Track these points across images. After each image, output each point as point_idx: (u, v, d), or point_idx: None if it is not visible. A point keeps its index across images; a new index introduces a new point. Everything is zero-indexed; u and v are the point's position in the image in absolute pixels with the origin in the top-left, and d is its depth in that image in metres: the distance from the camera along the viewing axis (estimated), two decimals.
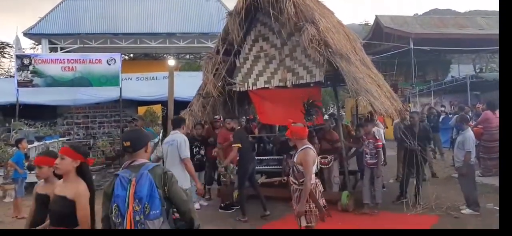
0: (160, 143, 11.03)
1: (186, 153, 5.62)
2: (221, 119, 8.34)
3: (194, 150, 7.82)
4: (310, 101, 7.18)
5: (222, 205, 7.46)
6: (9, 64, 26.85)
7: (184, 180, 5.38)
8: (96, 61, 13.94)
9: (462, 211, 6.58)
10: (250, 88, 7.84)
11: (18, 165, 7.53)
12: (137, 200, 2.59)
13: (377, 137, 7.09)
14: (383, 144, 7.32)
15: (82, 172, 3.06)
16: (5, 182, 8.91)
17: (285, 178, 7.16)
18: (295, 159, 4.48)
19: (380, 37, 22.44)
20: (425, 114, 10.34)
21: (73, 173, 3.02)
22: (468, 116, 8.36)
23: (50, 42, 20.25)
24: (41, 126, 12.43)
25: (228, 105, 8.36)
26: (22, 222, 7.09)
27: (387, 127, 10.72)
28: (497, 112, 8.79)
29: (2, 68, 27.78)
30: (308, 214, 4.38)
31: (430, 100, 17.59)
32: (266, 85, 7.69)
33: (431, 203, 6.90)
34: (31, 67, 13.49)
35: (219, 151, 7.31)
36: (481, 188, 7.67)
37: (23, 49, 21.42)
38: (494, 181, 8.39)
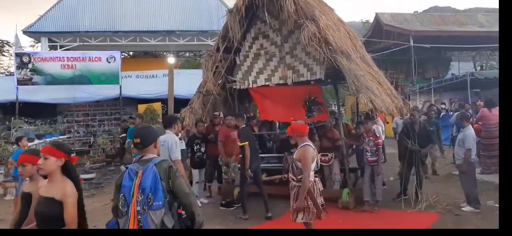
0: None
1: (177, 155, 5.55)
2: (221, 115, 8.33)
3: (195, 148, 7.82)
4: (312, 98, 7.17)
5: (223, 202, 7.47)
6: (9, 62, 26.85)
7: None
8: (96, 59, 13.96)
9: (462, 209, 6.58)
10: (251, 86, 7.83)
11: None
12: (140, 191, 2.76)
13: (377, 135, 7.08)
14: (383, 141, 7.32)
15: (67, 170, 2.92)
16: (6, 180, 8.91)
17: (286, 175, 7.14)
18: (294, 156, 4.51)
19: (380, 35, 22.44)
20: (424, 111, 10.32)
21: (58, 173, 2.88)
22: (468, 114, 8.34)
23: (50, 40, 20.24)
24: (41, 124, 12.44)
25: (228, 102, 8.35)
26: None
27: (387, 122, 10.72)
28: (493, 109, 8.84)
29: (1, 66, 27.78)
30: (305, 210, 4.40)
31: (430, 98, 17.58)
32: (267, 83, 7.68)
33: (431, 201, 6.91)
34: (30, 65, 13.51)
35: (220, 148, 7.29)
36: (482, 186, 7.67)
37: (23, 47, 21.40)
38: (494, 178, 8.38)
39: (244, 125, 7.11)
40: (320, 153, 7.27)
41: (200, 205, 7.27)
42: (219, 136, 7.34)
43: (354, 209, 6.87)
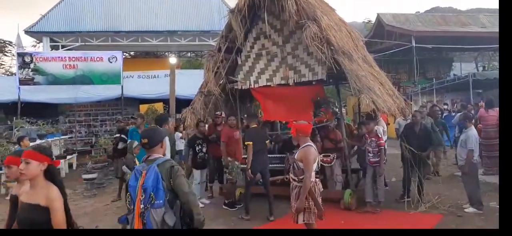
0: None
1: None
2: (223, 115, 8.32)
3: (197, 148, 7.80)
4: (319, 98, 7.17)
5: (226, 201, 7.46)
6: (11, 62, 26.90)
7: None
8: (98, 59, 13.98)
9: (465, 210, 6.56)
10: (252, 86, 7.82)
11: None
12: (143, 190, 2.92)
13: (379, 136, 7.06)
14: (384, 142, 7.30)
15: (50, 175, 2.80)
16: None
17: (288, 176, 7.12)
18: (296, 156, 4.49)
19: (382, 35, 22.39)
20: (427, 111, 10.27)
21: (41, 178, 2.75)
22: (471, 115, 8.33)
23: (52, 40, 20.29)
24: (43, 124, 12.45)
25: (230, 103, 8.34)
26: None
27: (388, 124, 10.69)
28: (490, 110, 8.86)
29: (3, 66, 27.83)
30: (306, 211, 4.38)
31: (432, 98, 17.53)
32: (268, 83, 7.66)
33: (434, 202, 6.88)
34: (32, 65, 13.54)
35: (223, 149, 7.26)
36: (484, 187, 7.65)
37: (24, 47, 21.45)
38: (497, 179, 8.35)
39: (256, 125, 7.03)
40: (322, 154, 7.27)
41: (202, 205, 7.29)
42: (222, 137, 7.33)
43: (356, 210, 6.86)
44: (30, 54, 14.23)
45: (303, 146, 4.43)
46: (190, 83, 11.76)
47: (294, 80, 7.37)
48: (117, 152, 8.68)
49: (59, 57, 14.33)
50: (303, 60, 7.26)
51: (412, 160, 7.25)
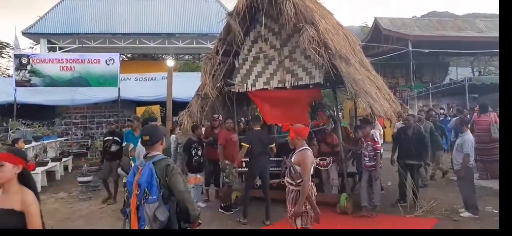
0: None
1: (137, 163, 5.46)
2: (220, 118, 8.31)
3: (193, 152, 7.77)
4: (316, 101, 7.17)
5: (222, 205, 7.44)
6: (7, 63, 26.79)
7: None
8: (95, 61, 13.94)
9: (461, 215, 6.57)
10: (249, 89, 7.83)
11: None
12: (138, 186, 3.09)
13: (376, 140, 7.07)
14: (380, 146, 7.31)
15: (24, 179, 2.68)
16: None
17: (283, 180, 7.11)
18: (292, 160, 4.46)
19: (379, 39, 22.46)
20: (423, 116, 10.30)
21: (15, 181, 2.63)
22: (467, 119, 8.37)
23: (49, 42, 20.21)
24: (39, 126, 12.39)
25: (227, 106, 8.34)
26: None
27: (385, 127, 10.71)
28: (483, 115, 9.01)
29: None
30: (304, 215, 4.37)
31: (428, 103, 17.60)
32: (265, 86, 7.67)
33: (429, 207, 6.90)
34: (29, 67, 13.49)
35: (220, 151, 7.24)
36: (480, 191, 7.67)
37: (22, 49, 21.39)
38: (493, 184, 8.40)
39: (259, 128, 7.00)
40: (319, 158, 7.28)
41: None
42: (219, 139, 7.31)
43: (352, 214, 6.86)
44: (27, 56, 14.17)
45: (300, 149, 4.42)
46: (187, 85, 11.75)
47: (291, 83, 7.38)
48: (109, 154, 8.58)
49: (56, 58, 14.28)
50: (300, 64, 7.28)
51: (405, 166, 7.33)
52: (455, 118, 10.66)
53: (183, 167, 7.56)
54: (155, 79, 15.87)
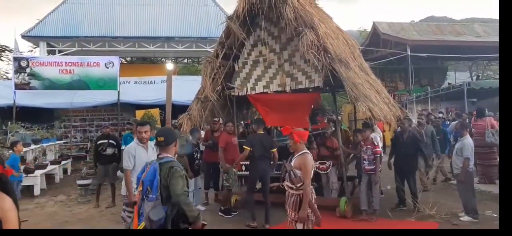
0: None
1: (123, 164, 5.25)
2: (221, 121, 8.31)
3: (195, 156, 7.75)
4: (315, 105, 7.17)
5: (221, 208, 7.43)
6: (7, 66, 26.76)
7: None
8: (94, 64, 13.93)
9: (460, 219, 6.57)
10: (249, 93, 7.84)
11: (14, 168, 7.46)
12: (142, 183, 3.33)
13: (375, 143, 7.08)
14: (381, 150, 7.33)
15: (1, 184, 2.55)
16: None
17: (282, 183, 7.10)
18: (293, 163, 4.44)
19: (377, 44, 22.52)
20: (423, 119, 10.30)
21: None
22: (467, 123, 8.41)
23: (48, 45, 20.24)
24: (38, 129, 12.36)
25: (226, 109, 8.35)
26: None
27: (384, 131, 10.72)
28: (479, 120, 9.07)
29: None
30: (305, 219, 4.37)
31: (427, 107, 17.62)
32: (265, 90, 7.69)
33: (429, 211, 6.90)
34: (28, 70, 13.47)
35: (221, 155, 7.23)
36: (480, 196, 7.68)
37: (21, 52, 21.38)
38: (492, 188, 8.42)
39: (261, 132, 6.98)
40: (318, 161, 7.29)
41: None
42: (220, 142, 7.30)
43: (351, 218, 6.86)
44: (26, 59, 14.16)
45: (300, 153, 4.41)
46: (186, 89, 11.76)
47: (291, 87, 7.40)
48: (105, 157, 8.55)
49: (55, 62, 14.26)
50: (300, 68, 7.30)
51: (401, 169, 7.35)
52: (454, 122, 10.69)
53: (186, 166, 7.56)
54: (154, 83, 15.87)
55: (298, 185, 4.34)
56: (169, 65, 12.92)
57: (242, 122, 9.99)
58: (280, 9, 6.95)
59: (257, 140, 6.74)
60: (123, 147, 8.02)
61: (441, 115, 15.22)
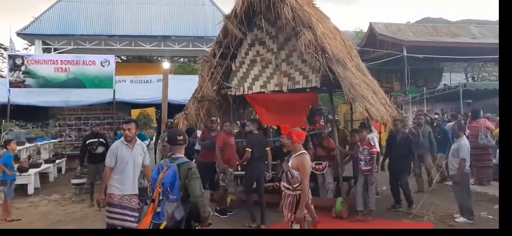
0: (153, 145, 10.95)
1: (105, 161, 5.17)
2: (218, 121, 8.27)
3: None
4: (313, 106, 7.16)
5: (217, 208, 7.39)
6: (1, 64, 26.58)
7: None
8: (90, 63, 13.82)
9: (456, 220, 6.58)
10: (246, 92, 7.81)
11: (7, 167, 7.40)
12: (162, 184, 3.45)
13: (372, 144, 7.08)
14: (377, 151, 7.32)
15: None
16: None
17: (278, 184, 7.09)
18: (290, 164, 4.40)
19: (374, 44, 22.54)
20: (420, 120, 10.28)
21: None
22: (463, 124, 8.43)
23: (44, 43, 20.10)
24: (32, 127, 12.25)
25: (223, 108, 8.32)
26: (11, 225, 6.99)
27: (381, 133, 10.71)
28: (474, 122, 9.16)
29: None
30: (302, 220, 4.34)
31: (423, 108, 17.68)
32: (262, 90, 7.67)
33: (425, 212, 6.91)
34: (23, 68, 13.34)
35: (218, 154, 7.19)
36: (475, 197, 7.69)
37: (17, 50, 21.20)
38: (488, 189, 8.45)
39: (256, 132, 6.98)
40: (314, 162, 7.27)
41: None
42: (217, 142, 7.23)
43: (347, 218, 6.85)
44: (21, 57, 14.02)
45: (298, 154, 4.37)
46: (182, 88, 11.71)
47: (288, 87, 7.38)
48: (96, 156, 8.49)
49: (50, 60, 14.13)
50: (297, 67, 7.28)
51: (395, 170, 7.36)
52: (451, 123, 10.72)
53: None
54: (150, 82, 15.79)
55: (295, 185, 4.31)
56: (166, 64, 12.93)
57: (238, 122, 9.96)
58: (278, 9, 6.92)
59: (255, 140, 6.74)
60: None
61: (436, 116, 15.27)
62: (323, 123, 8.27)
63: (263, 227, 6.46)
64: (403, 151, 7.44)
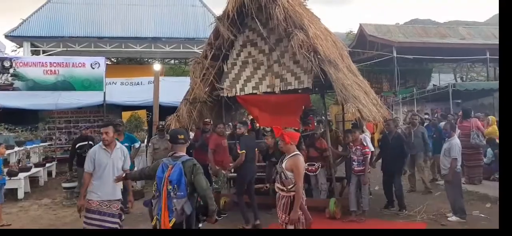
0: (144, 148, 10.87)
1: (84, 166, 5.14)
2: (211, 122, 8.24)
3: None
4: (305, 107, 7.17)
5: None
6: None
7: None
8: (80, 65, 13.67)
9: (448, 219, 6.64)
10: (238, 94, 7.80)
11: None
12: (169, 182, 3.59)
13: (365, 144, 7.11)
14: (371, 151, 7.36)
15: None
16: None
17: (268, 185, 7.09)
18: (284, 165, 4.38)
19: (364, 45, 22.70)
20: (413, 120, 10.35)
21: None
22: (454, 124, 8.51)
23: (32, 45, 19.82)
24: (21, 130, 12.08)
25: (215, 110, 8.29)
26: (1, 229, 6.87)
27: (373, 133, 10.78)
28: (464, 121, 9.25)
29: None
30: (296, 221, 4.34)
31: (413, 108, 17.85)
32: (254, 91, 7.65)
33: (417, 211, 6.96)
34: (12, 70, 13.14)
35: (210, 156, 7.15)
36: (467, 195, 7.77)
37: (5, 54, 20.89)
38: (479, 188, 8.55)
39: (247, 133, 6.98)
40: (307, 163, 7.28)
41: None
42: (210, 144, 7.18)
43: (340, 218, 6.87)
44: (10, 59, 13.81)
45: (291, 155, 4.35)
46: (173, 90, 11.65)
47: (280, 88, 7.38)
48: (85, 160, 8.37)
49: (39, 62, 13.94)
50: (289, 69, 7.29)
51: (388, 170, 7.42)
52: (442, 123, 10.80)
53: None
54: (141, 84, 15.66)
55: (289, 187, 4.30)
56: (156, 66, 12.85)
57: (230, 123, 9.94)
58: (270, 10, 6.92)
59: (248, 142, 6.74)
60: None
61: (427, 116, 15.42)
62: (315, 124, 8.30)
63: (258, 222, 6.48)
64: (396, 151, 7.49)
